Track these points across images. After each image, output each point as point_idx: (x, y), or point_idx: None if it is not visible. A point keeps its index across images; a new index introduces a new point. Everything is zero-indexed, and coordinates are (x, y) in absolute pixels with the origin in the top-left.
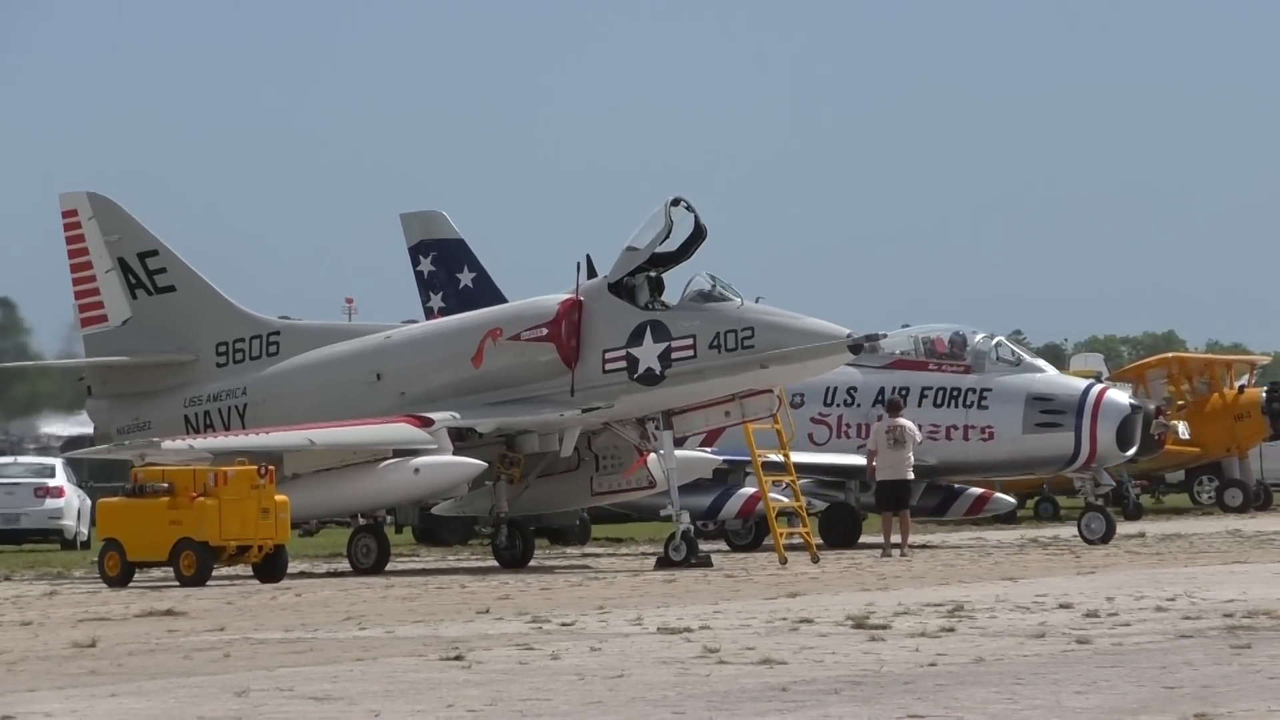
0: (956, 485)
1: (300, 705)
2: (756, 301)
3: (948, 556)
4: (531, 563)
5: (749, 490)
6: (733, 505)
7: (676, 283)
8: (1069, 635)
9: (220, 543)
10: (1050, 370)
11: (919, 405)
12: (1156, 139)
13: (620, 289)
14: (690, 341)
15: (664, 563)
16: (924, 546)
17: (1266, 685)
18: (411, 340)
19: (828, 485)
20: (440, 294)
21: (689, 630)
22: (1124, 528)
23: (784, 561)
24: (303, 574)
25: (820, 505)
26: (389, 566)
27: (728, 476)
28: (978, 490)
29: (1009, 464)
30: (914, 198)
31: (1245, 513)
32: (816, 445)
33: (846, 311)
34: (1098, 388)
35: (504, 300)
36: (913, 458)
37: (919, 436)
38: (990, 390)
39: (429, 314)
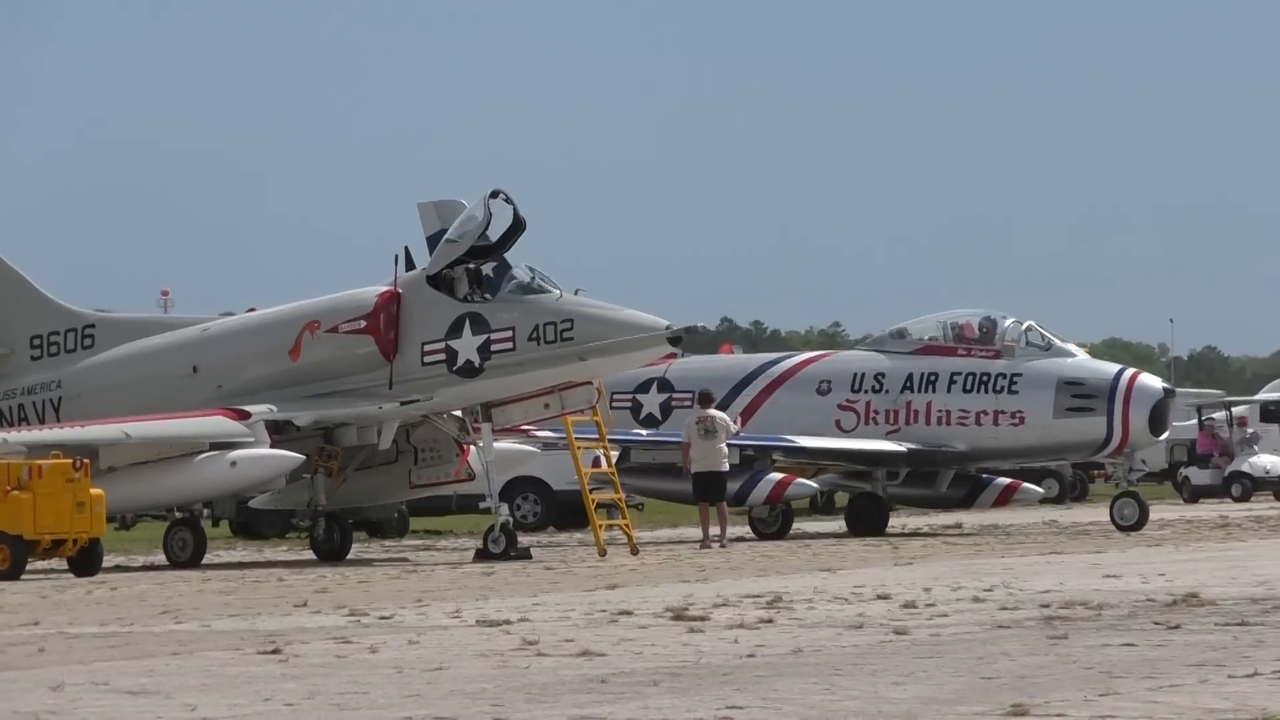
0: (985, 475)
1: (116, 699)
2: (576, 294)
3: (766, 548)
4: (350, 556)
5: (777, 476)
6: (761, 491)
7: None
8: (887, 626)
9: (35, 536)
10: (1081, 354)
11: (949, 390)
12: (1010, 136)
13: (439, 281)
14: (509, 334)
15: (483, 555)
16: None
17: (1083, 675)
18: (228, 333)
19: (854, 475)
20: None
21: (508, 623)
22: (942, 518)
23: (603, 554)
24: (118, 568)
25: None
26: (205, 560)
27: (754, 462)
28: (1005, 480)
29: (1040, 449)
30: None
31: (1062, 503)
32: (844, 432)
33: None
34: (1129, 372)
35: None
36: (726, 449)
37: (734, 428)
38: (1020, 375)
39: None
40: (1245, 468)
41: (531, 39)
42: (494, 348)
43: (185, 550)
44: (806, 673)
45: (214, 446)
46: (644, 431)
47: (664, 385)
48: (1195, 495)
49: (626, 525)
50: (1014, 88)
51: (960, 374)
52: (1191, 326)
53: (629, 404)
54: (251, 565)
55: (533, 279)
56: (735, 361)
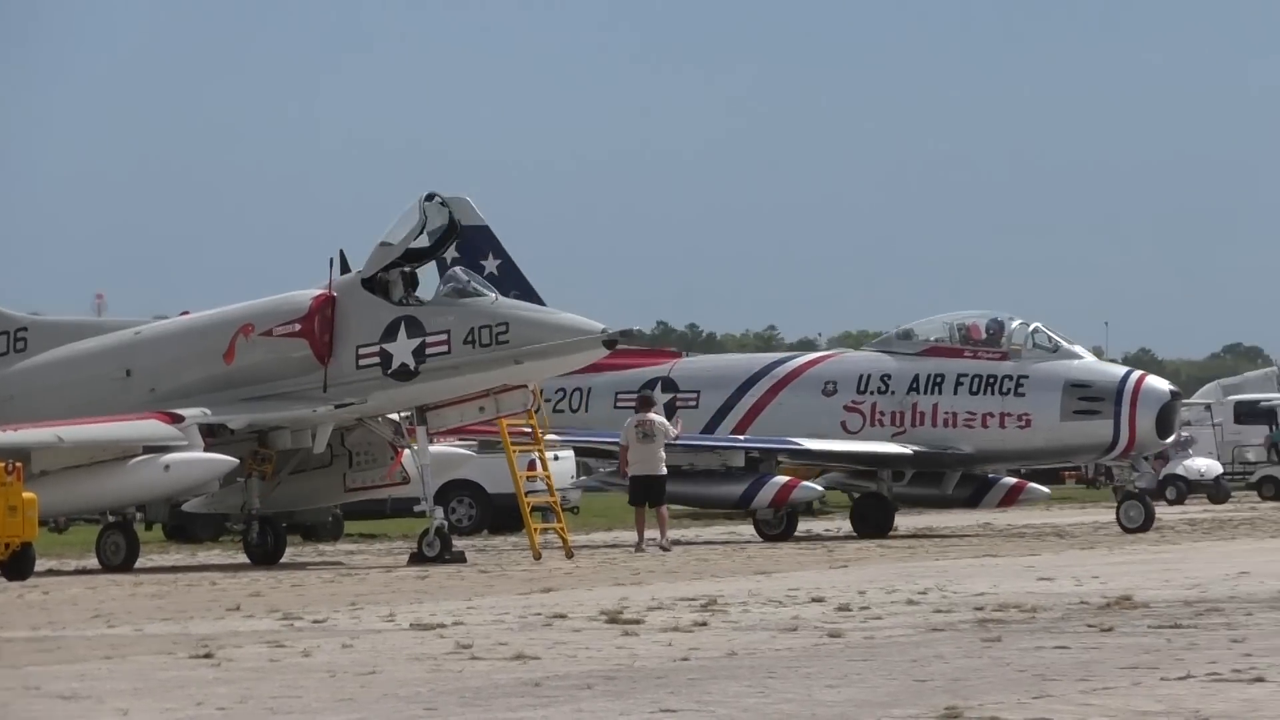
0: (990, 475)
1: (47, 704)
2: (511, 297)
3: (702, 551)
4: (283, 559)
5: (782, 479)
6: (766, 494)
7: (431, 278)
8: (821, 629)
9: None
10: (1089, 357)
11: (955, 392)
12: (920, 135)
13: (374, 284)
14: (445, 337)
15: (417, 559)
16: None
17: (1016, 678)
18: (162, 336)
19: (860, 475)
20: None
21: (442, 626)
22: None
23: (538, 557)
24: (51, 572)
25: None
26: (138, 564)
27: (759, 465)
28: (1012, 480)
29: (1046, 452)
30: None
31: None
32: (850, 433)
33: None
34: (1136, 374)
35: (531, 289)
36: (664, 453)
37: (672, 432)
38: (1027, 377)
39: None
40: (1180, 470)
41: (468, 39)
42: (429, 351)
43: (118, 554)
44: (741, 675)
45: (147, 450)
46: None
47: (668, 385)
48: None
49: (561, 529)
50: (948, 92)
51: (967, 376)
52: (1126, 329)
53: (634, 404)
54: (185, 569)
55: (468, 282)
56: (740, 361)
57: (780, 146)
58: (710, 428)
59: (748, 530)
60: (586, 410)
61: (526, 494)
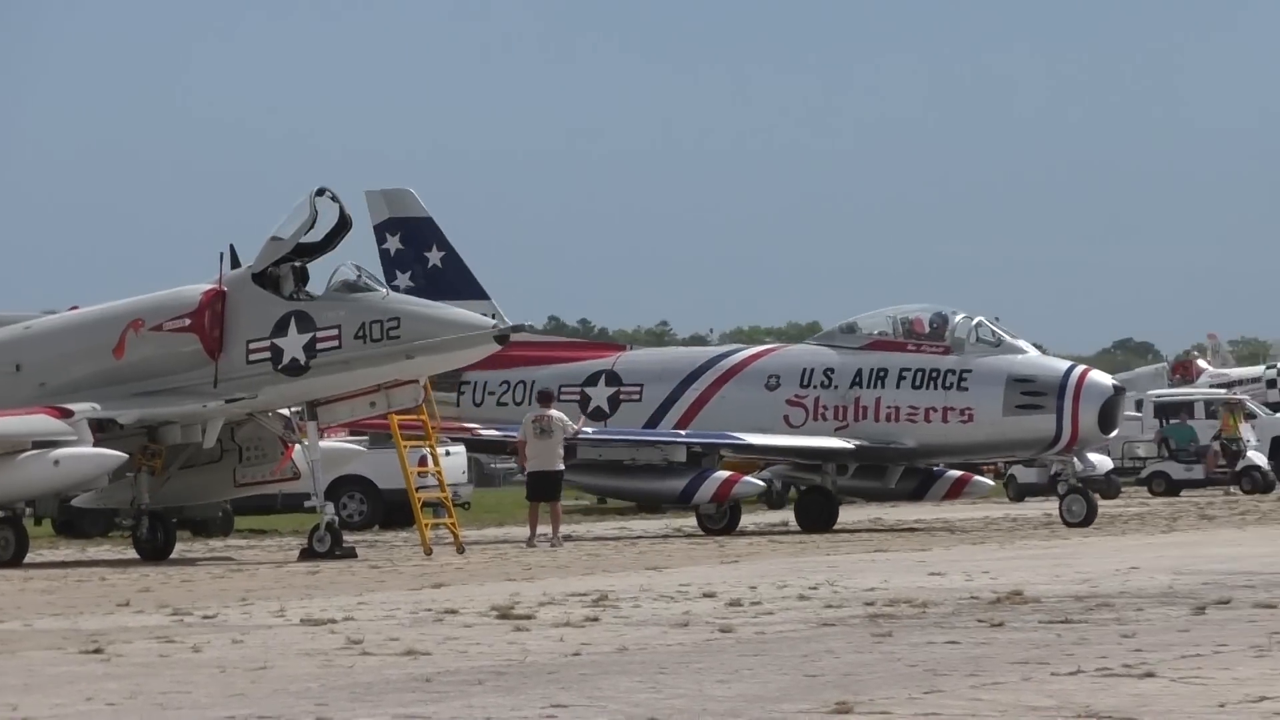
0: (936, 468)
1: None
2: (403, 292)
3: (593, 547)
4: (173, 555)
5: (724, 474)
6: (708, 489)
7: (321, 273)
8: (712, 624)
9: None
10: (1033, 351)
11: (897, 386)
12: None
13: (264, 279)
14: (335, 332)
15: (308, 554)
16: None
17: (906, 673)
18: (51, 331)
19: (804, 469)
20: (409, 273)
21: (333, 622)
22: (768, 516)
23: (429, 553)
24: None
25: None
26: (28, 559)
27: (701, 460)
28: (957, 473)
29: (989, 446)
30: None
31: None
32: (793, 427)
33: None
34: (1080, 369)
35: (475, 281)
36: (563, 449)
37: (571, 428)
38: (970, 371)
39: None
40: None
41: (352, 30)
42: (320, 346)
43: (7, 549)
44: (632, 671)
45: (36, 445)
46: (589, 429)
47: (612, 378)
48: (1021, 494)
49: (453, 524)
50: (816, 90)
51: (910, 370)
52: (1017, 323)
53: (577, 397)
54: (74, 564)
55: (359, 277)
56: (684, 355)
57: (680, 142)
58: (653, 422)
59: (639, 525)
60: (529, 403)
61: (417, 489)
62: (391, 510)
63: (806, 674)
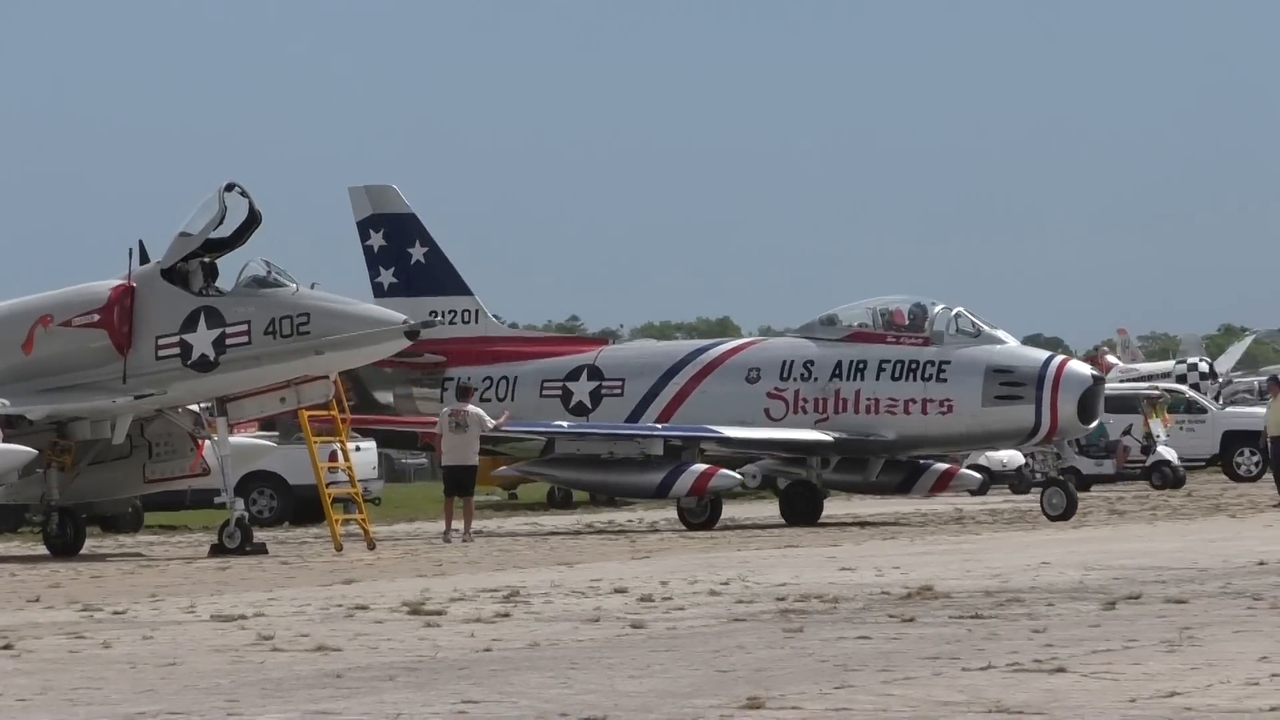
0: (922, 460)
1: None
2: (313, 287)
3: (504, 542)
4: (83, 551)
5: (701, 467)
6: (684, 482)
7: (231, 268)
8: (624, 620)
9: None
10: (1012, 342)
11: (877, 378)
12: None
13: (174, 275)
14: (245, 327)
15: (218, 550)
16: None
17: (817, 668)
18: None
19: (789, 462)
20: (391, 269)
21: (243, 618)
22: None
23: (339, 549)
24: None
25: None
26: None
27: (681, 453)
28: (943, 465)
29: (969, 437)
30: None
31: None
32: (774, 420)
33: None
34: (1059, 359)
35: (458, 276)
36: (478, 444)
37: (489, 423)
38: (949, 363)
39: (378, 290)
40: (982, 461)
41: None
42: (229, 342)
43: None
44: (543, 666)
45: None
46: (565, 423)
47: (594, 373)
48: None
49: (363, 520)
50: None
51: (889, 361)
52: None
53: (559, 392)
54: None
55: (269, 272)
56: (664, 349)
57: (591, 134)
58: (635, 416)
59: (550, 521)
60: (513, 399)
61: (328, 485)
62: (302, 506)
63: (718, 669)
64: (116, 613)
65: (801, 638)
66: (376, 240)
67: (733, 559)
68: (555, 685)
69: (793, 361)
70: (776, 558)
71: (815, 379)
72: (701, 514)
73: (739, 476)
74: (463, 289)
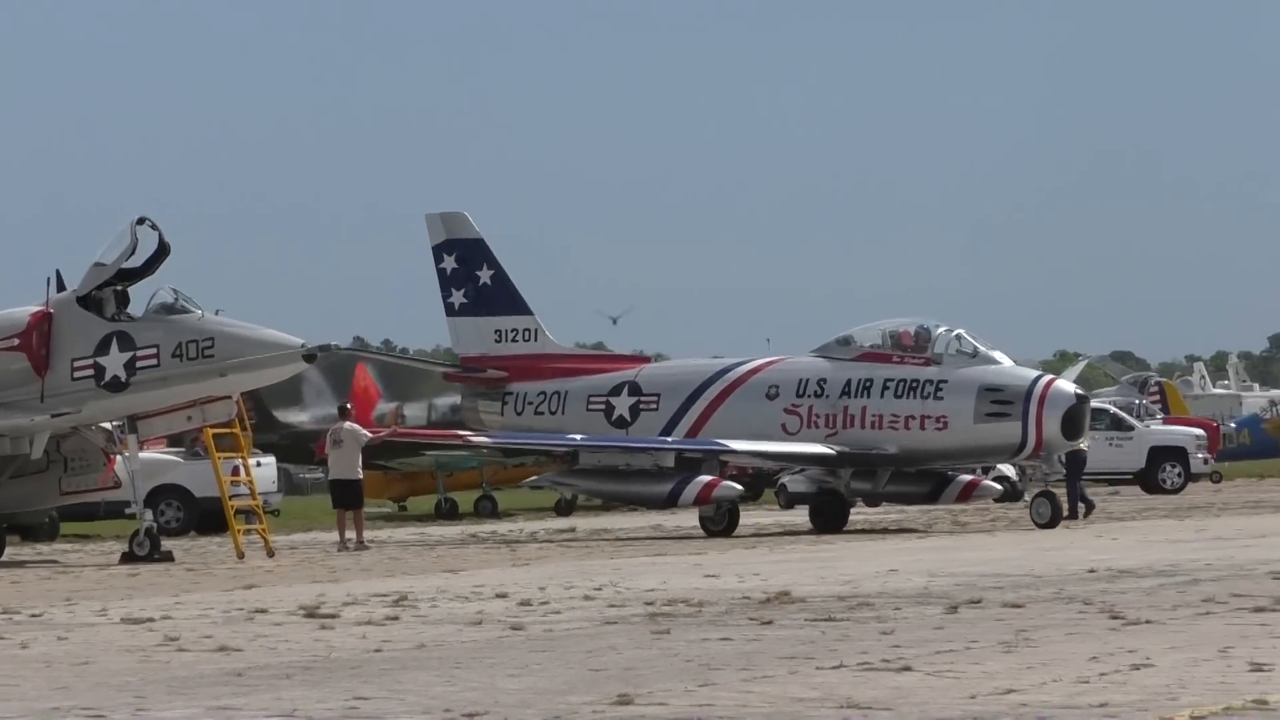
0: (949, 472)
1: None
2: (217, 314)
3: (395, 550)
4: (2, 558)
5: (706, 477)
6: (690, 492)
7: (142, 296)
8: (504, 623)
9: None
10: (1006, 363)
11: (881, 396)
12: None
13: (88, 302)
14: (154, 351)
15: (128, 558)
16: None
17: (683, 667)
18: None
19: (823, 475)
20: (462, 290)
21: (151, 620)
22: (558, 522)
23: (241, 556)
24: None
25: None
26: None
27: (701, 466)
28: (968, 477)
29: (963, 452)
30: None
31: (666, 509)
32: (789, 435)
33: None
34: (1046, 379)
35: (519, 297)
36: (358, 458)
37: (364, 437)
38: (946, 381)
39: (449, 309)
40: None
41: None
42: (139, 364)
43: None
44: (430, 666)
45: None
46: (578, 436)
47: (634, 389)
48: (791, 502)
49: (263, 530)
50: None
51: (893, 380)
52: (787, 345)
53: (603, 407)
54: None
55: (176, 300)
56: (696, 367)
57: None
58: (668, 430)
59: (437, 531)
60: (563, 413)
61: (230, 498)
62: (206, 517)
63: (591, 668)
64: (34, 615)
65: (668, 639)
66: (449, 263)
67: (605, 566)
68: (441, 683)
69: (808, 380)
70: (646, 565)
71: (826, 396)
72: (720, 522)
73: (739, 488)
74: (524, 309)
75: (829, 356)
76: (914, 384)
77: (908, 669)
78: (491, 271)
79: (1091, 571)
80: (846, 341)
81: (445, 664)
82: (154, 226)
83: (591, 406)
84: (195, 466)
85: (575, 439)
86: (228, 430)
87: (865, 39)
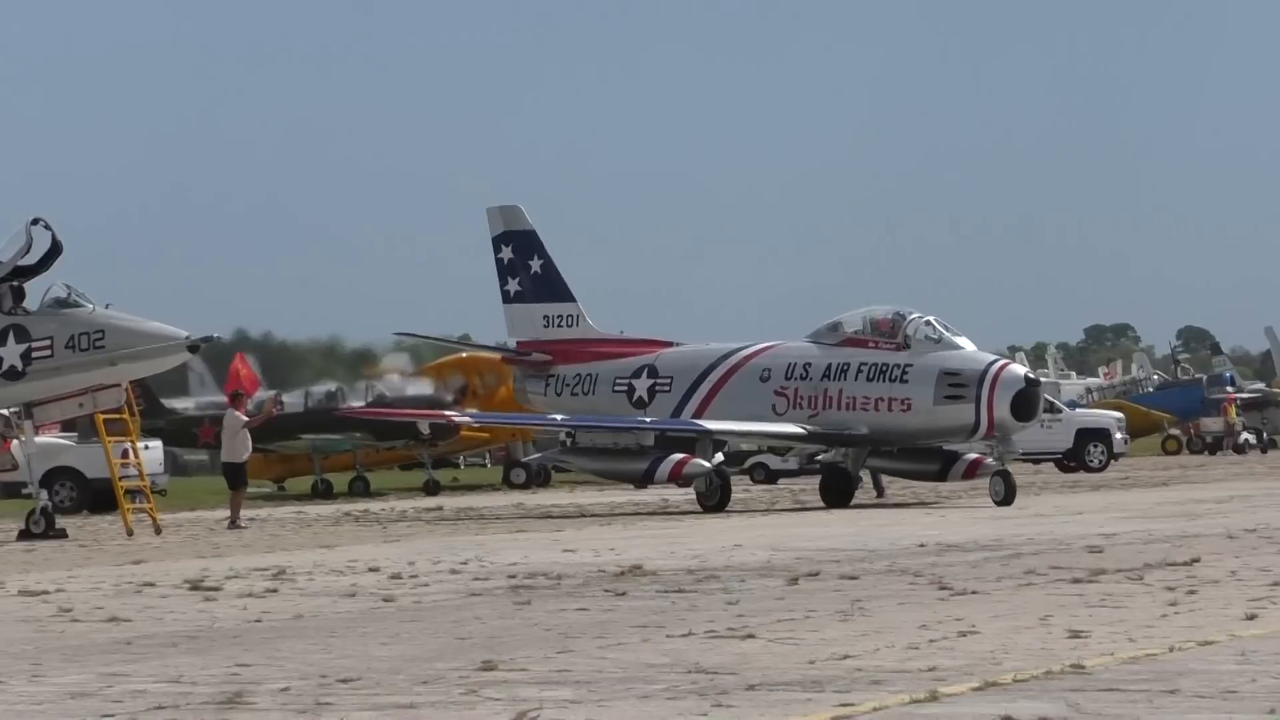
0: (958, 451)
1: None
2: (107, 308)
3: (274, 528)
4: None
5: (678, 456)
6: (664, 470)
7: (37, 291)
8: (376, 595)
9: None
10: (969, 348)
11: (855, 379)
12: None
13: None
14: (49, 342)
15: (25, 535)
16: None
17: (543, 636)
18: None
19: (828, 451)
20: (517, 279)
21: (46, 593)
22: (426, 501)
23: (130, 534)
24: None
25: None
26: None
27: (695, 445)
28: (972, 455)
29: (924, 432)
30: None
31: (528, 489)
32: (778, 416)
33: None
34: (1000, 363)
35: (565, 285)
36: (238, 442)
37: (239, 421)
38: (911, 366)
39: (505, 297)
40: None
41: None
42: (35, 355)
43: None
44: (307, 635)
45: None
46: (558, 416)
47: (652, 371)
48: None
49: (151, 509)
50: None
51: (867, 364)
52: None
53: (626, 388)
54: None
55: (69, 295)
56: (704, 352)
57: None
58: (677, 411)
59: (314, 510)
60: (594, 394)
61: (120, 479)
62: (98, 497)
63: (457, 637)
64: None
65: (529, 610)
66: (506, 253)
67: (471, 542)
68: (317, 651)
69: (796, 364)
70: (509, 541)
71: (810, 379)
72: (713, 497)
73: (707, 465)
74: (569, 297)
75: (819, 342)
76: (884, 368)
77: (751, 636)
78: (541, 261)
79: (922, 546)
80: (835, 327)
81: (321, 633)
82: (47, 226)
83: (616, 388)
84: (87, 449)
85: (556, 419)
86: (118, 416)
87: None
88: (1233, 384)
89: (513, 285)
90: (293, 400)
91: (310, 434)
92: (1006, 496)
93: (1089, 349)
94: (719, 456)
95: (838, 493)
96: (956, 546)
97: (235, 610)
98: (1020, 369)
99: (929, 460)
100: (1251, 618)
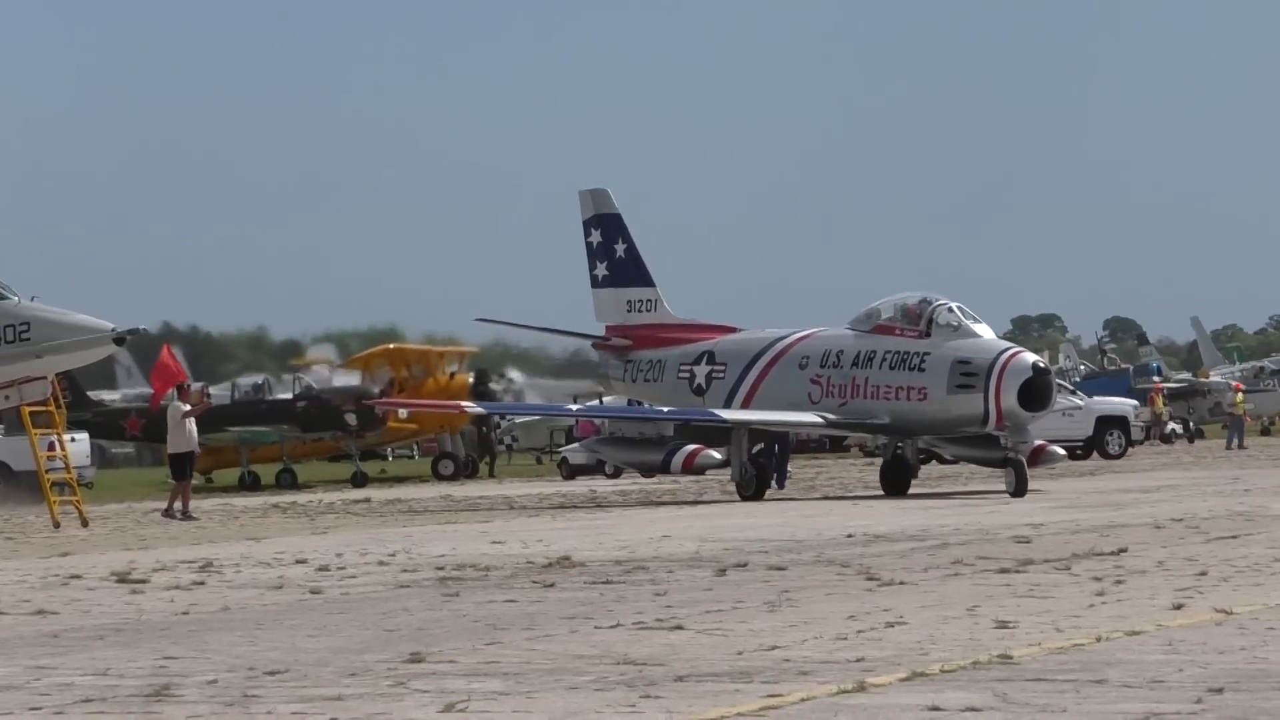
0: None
1: None
2: (32, 300)
3: (200, 520)
4: None
5: (691, 447)
6: (678, 460)
7: None
8: (304, 587)
9: None
10: (986, 336)
11: (879, 367)
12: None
13: None
14: None
15: None
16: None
17: (472, 627)
18: None
19: (891, 440)
20: (605, 263)
21: None
22: (354, 493)
23: (57, 526)
24: None
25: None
26: None
27: (730, 435)
28: (1038, 441)
29: (940, 422)
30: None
31: (456, 480)
32: (813, 403)
33: None
34: (1010, 352)
35: (646, 270)
36: (195, 434)
37: (179, 411)
38: (929, 354)
39: (594, 280)
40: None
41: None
42: None
43: None
44: (234, 627)
45: None
46: (573, 405)
47: (710, 358)
48: (573, 472)
49: (78, 501)
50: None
51: (890, 352)
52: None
53: (688, 375)
54: None
55: None
56: (756, 338)
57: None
58: (729, 399)
59: (241, 502)
60: (661, 380)
61: (47, 471)
62: (24, 489)
63: (385, 629)
64: None
65: (458, 601)
66: (595, 237)
67: (399, 534)
68: (244, 643)
69: (830, 351)
70: (437, 533)
71: (841, 367)
72: (750, 486)
73: (719, 456)
74: (649, 281)
75: (856, 330)
76: (905, 356)
77: (680, 628)
78: (625, 245)
79: (849, 536)
80: (870, 315)
81: (248, 625)
82: None
83: (680, 375)
84: (13, 442)
85: (572, 408)
86: (44, 408)
87: None
88: (1159, 374)
89: (600, 269)
90: (220, 392)
91: (237, 426)
92: (1018, 488)
93: (1016, 339)
94: (758, 446)
95: (894, 480)
96: (884, 537)
97: (162, 603)
98: (1030, 357)
99: (991, 447)
100: (1178, 607)
